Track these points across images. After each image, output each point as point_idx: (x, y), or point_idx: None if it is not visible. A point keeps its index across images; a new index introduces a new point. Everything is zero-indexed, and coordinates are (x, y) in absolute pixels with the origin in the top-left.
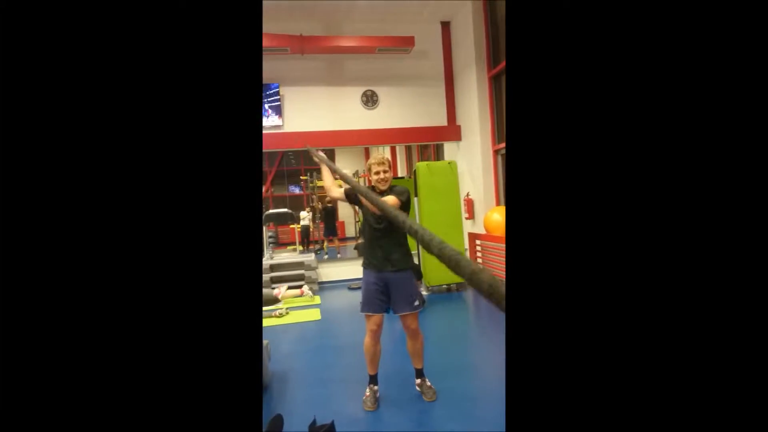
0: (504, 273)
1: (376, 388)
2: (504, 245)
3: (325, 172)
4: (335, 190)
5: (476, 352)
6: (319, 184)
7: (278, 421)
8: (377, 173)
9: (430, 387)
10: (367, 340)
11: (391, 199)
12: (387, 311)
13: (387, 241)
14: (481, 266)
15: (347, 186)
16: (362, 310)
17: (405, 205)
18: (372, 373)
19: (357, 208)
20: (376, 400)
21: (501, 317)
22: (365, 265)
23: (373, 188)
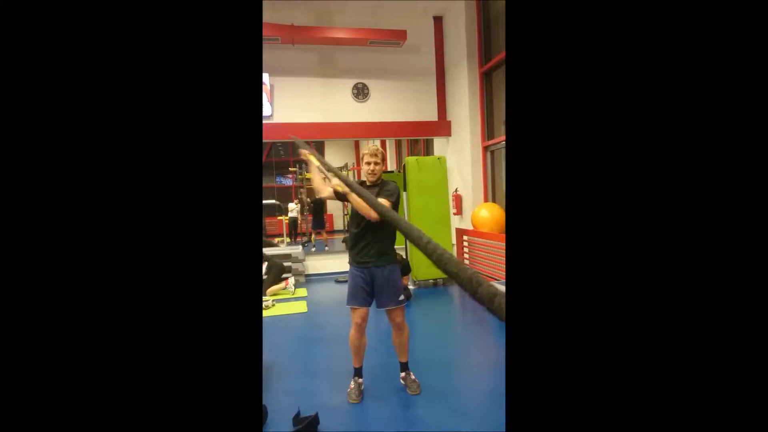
0: (491, 269)
1: (360, 380)
2: (490, 241)
3: (314, 171)
4: (325, 189)
5: (461, 346)
6: (308, 176)
7: (262, 413)
8: (368, 164)
9: (414, 380)
10: (353, 333)
11: (382, 202)
12: (370, 305)
13: (373, 237)
14: (480, 277)
15: (335, 183)
16: (348, 303)
17: (395, 206)
18: (357, 366)
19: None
20: (361, 393)
21: (486, 313)
22: (351, 261)
23: (362, 181)
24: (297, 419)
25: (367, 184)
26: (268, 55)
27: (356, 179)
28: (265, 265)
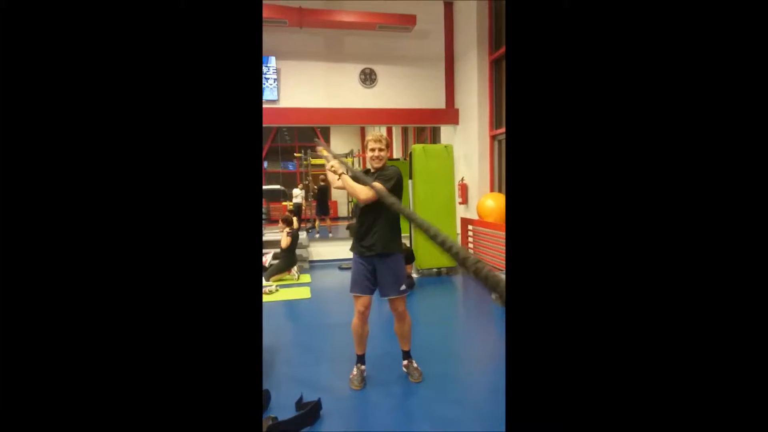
0: (495, 259)
1: (363, 367)
2: (495, 231)
3: (345, 177)
4: (365, 191)
5: (463, 335)
6: (315, 162)
7: (265, 397)
8: (372, 150)
9: (416, 368)
10: (355, 320)
11: (376, 185)
12: (373, 293)
13: (376, 227)
14: (478, 260)
15: (331, 164)
16: (351, 291)
17: (394, 190)
18: (359, 353)
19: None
20: (363, 380)
21: (489, 302)
22: (354, 250)
23: (367, 170)
24: (299, 404)
25: (372, 171)
26: (275, 38)
27: (361, 168)
28: (288, 241)
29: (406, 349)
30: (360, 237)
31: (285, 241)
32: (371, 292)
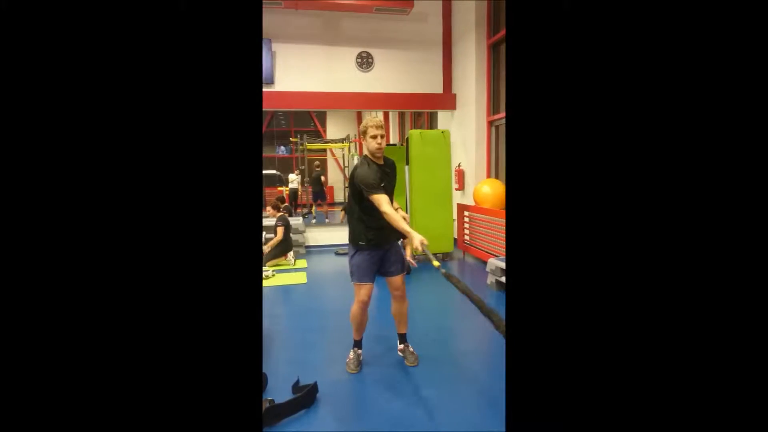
0: (491, 245)
1: (359, 351)
2: (492, 217)
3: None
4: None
5: (458, 320)
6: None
7: (262, 380)
8: (374, 137)
9: (412, 352)
10: (356, 309)
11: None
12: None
13: (383, 221)
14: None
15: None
16: (358, 281)
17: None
18: (357, 338)
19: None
20: (359, 363)
21: (484, 289)
22: (365, 244)
23: (365, 157)
24: (296, 387)
25: (375, 161)
26: (270, 19)
27: (357, 154)
28: (281, 231)
29: (403, 332)
30: (376, 233)
31: (278, 235)
32: (374, 280)
